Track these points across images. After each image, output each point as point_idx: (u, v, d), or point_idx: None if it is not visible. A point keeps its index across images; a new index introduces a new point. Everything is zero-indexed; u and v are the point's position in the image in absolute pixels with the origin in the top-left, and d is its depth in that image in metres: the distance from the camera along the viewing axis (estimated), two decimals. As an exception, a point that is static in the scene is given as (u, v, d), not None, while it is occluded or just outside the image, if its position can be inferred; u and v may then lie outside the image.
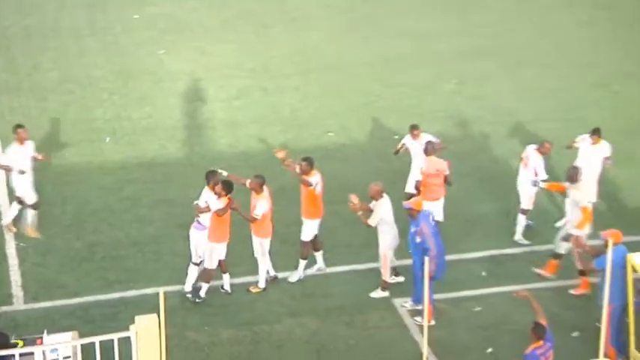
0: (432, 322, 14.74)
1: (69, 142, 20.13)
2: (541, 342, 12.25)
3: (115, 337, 11.66)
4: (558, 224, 17.09)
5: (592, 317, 14.69)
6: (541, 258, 16.54)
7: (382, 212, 15.35)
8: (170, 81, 22.65)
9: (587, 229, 15.47)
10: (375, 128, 20.79)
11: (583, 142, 17.30)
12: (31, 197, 17.07)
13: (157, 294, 11.55)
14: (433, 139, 17.08)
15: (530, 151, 16.84)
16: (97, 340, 11.46)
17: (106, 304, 15.47)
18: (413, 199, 15.25)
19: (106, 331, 12.58)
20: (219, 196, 15.36)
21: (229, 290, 15.76)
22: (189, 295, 15.59)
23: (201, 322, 15.12)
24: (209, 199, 15.46)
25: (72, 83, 22.49)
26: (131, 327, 11.99)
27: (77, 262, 16.53)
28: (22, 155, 16.87)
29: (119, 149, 19.98)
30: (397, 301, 15.57)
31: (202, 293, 15.55)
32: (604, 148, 17.05)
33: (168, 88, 22.38)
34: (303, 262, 16.02)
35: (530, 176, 16.68)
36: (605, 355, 13.19)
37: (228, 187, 15.40)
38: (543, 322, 12.45)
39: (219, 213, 15.29)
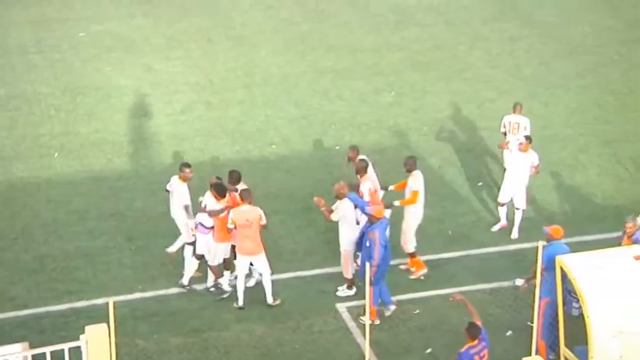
0: (377, 322, 15.01)
1: (17, 157, 20.00)
2: (475, 341, 12.44)
3: (65, 347, 11.66)
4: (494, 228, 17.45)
5: (525, 317, 15.00)
6: (477, 261, 16.84)
7: (345, 210, 15.56)
8: (117, 97, 22.61)
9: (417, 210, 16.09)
10: (316, 140, 20.97)
11: (514, 145, 17.59)
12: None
13: (107, 304, 11.57)
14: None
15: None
16: (47, 350, 11.45)
17: (56, 315, 15.40)
18: (375, 207, 15.43)
19: (56, 342, 12.59)
20: (216, 199, 15.45)
21: (226, 288, 15.79)
22: (212, 289, 15.87)
23: (150, 331, 15.13)
24: (208, 201, 15.58)
25: (19, 99, 22.35)
26: (81, 337, 12.00)
27: (27, 273, 16.44)
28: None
29: (67, 163, 19.90)
30: (340, 306, 15.72)
31: (225, 287, 15.74)
32: (532, 157, 17.39)
33: (115, 103, 22.33)
34: None
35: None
36: (536, 348, 13.51)
37: (220, 190, 15.45)
38: (478, 322, 12.67)
39: (210, 214, 15.43)
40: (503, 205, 17.38)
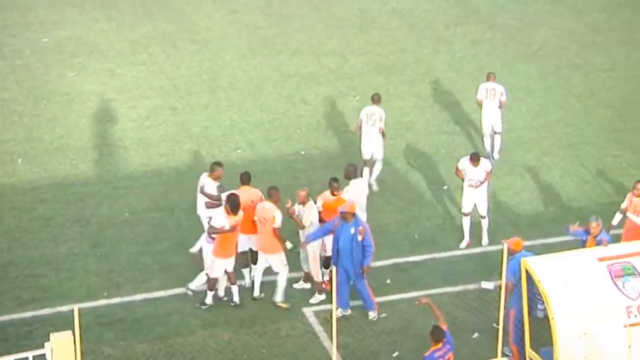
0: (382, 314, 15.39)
1: (-20, 164, 19.78)
2: (440, 344, 12.46)
3: (30, 354, 11.51)
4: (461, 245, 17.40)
5: (491, 319, 15.06)
6: (443, 265, 16.89)
7: (313, 214, 15.56)
8: (81, 102, 22.41)
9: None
10: (281, 144, 20.92)
11: (465, 164, 17.36)
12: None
13: (72, 311, 11.45)
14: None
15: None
16: (12, 358, 11.29)
17: (20, 323, 15.22)
18: (347, 203, 15.39)
19: (21, 349, 12.44)
20: (227, 214, 15.33)
21: (238, 301, 15.66)
22: (190, 293, 15.74)
23: (116, 337, 15.00)
24: (217, 215, 15.50)
25: (-18, 106, 22.10)
26: (46, 344, 11.87)
27: (-9, 281, 16.25)
28: None
29: (31, 170, 19.69)
30: (307, 310, 15.69)
31: (207, 300, 15.60)
32: (485, 166, 17.23)
33: (79, 109, 22.13)
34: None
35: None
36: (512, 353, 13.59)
37: (234, 206, 15.31)
38: (444, 326, 12.69)
39: (213, 230, 15.38)
40: (467, 214, 17.35)
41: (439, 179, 19.57)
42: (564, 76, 24.13)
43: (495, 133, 19.89)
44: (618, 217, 16.22)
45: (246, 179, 16.24)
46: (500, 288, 13.23)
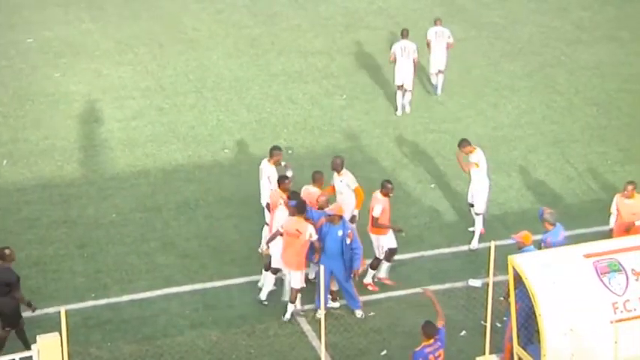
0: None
1: (-35, 165, 19.66)
2: (431, 340, 12.45)
3: (16, 356, 11.43)
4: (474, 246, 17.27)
5: (479, 317, 15.06)
6: (430, 262, 16.89)
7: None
8: (66, 103, 22.31)
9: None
10: (268, 144, 20.70)
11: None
12: None
13: (59, 313, 11.38)
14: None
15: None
16: (-2, 361, 11.23)
17: (7, 325, 15.11)
18: (334, 205, 15.36)
19: (8, 352, 12.36)
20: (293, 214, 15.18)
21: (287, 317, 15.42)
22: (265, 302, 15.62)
23: (104, 339, 14.93)
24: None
25: (-33, 107, 21.98)
26: (33, 346, 11.80)
27: (-23, 284, 16.11)
28: None
29: (16, 171, 19.59)
30: (292, 307, 15.63)
31: (288, 316, 15.36)
32: (478, 155, 17.31)
33: (65, 109, 22.03)
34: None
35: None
36: (503, 351, 13.58)
37: (301, 208, 15.07)
38: (441, 322, 12.67)
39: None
40: (471, 205, 17.35)
41: (426, 177, 19.58)
42: (549, 73, 24.18)
43: (439, 72, 22.45)
44: (612, 219, 16.18)
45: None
46: (488, 286, 13.23)
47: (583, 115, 22.21)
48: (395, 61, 21.54)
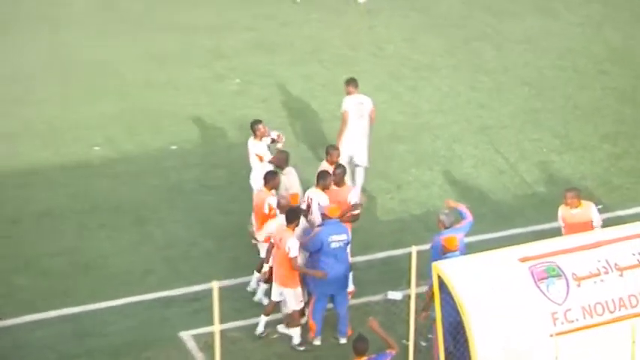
0: (317, 341, 15.23)
1: None
2: (363, 358, 12.63)
3: None
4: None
5: (399, 335, 15.20)
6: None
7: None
8: None
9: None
10: (147, 138, 20.73)
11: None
12: None
13: None
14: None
15: None
16: None
17: None
18: (329, 205, 15.38)
19: None
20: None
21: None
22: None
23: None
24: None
25: None
26: None
27: None
28: None
29: None
30: (184, 335, 15.58)
31: (296, 341, 15.24)
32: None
33: None
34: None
35: None
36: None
37: (292, 216, 14.97)
38: (392, 350, 12.79)
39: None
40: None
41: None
42: (474, 49, 24.59)
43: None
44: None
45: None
46: (410, 298, 13.38)
47: (513, 97, 22.67)
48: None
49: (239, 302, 15.87)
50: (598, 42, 25.11)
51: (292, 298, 15.11)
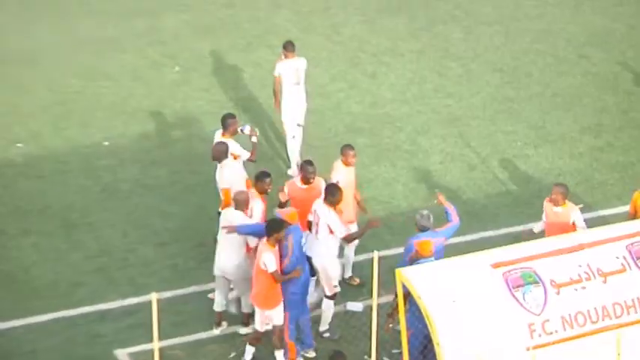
0: None
1: None
2: None
3: None
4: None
5: (361, 350, 15.24)
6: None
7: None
8: None
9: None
10: (75, 133, 20.65)
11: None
12: None
13: None
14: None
15: None
16: None
17: None
18: (286, 209, 15.38)
19: None
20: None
21: None
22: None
23: None
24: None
25: None
26: None
27: None
28: None
29: None
30: (120, 353, 15.52)
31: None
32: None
33: None
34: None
35: None
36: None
37: (274, 227, 14.74)
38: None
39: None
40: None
41: (284, 170, 19.66)
42: (441, 32, 24.68)
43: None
44: (540, 225, 16.04)
45: None
46: (372, 309, 13.37)
47: (484, 85, 22.76)
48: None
49: (180, 316, 15.85)
50: (577, 23, 25.27)
51: (278, 316, 14.98)
